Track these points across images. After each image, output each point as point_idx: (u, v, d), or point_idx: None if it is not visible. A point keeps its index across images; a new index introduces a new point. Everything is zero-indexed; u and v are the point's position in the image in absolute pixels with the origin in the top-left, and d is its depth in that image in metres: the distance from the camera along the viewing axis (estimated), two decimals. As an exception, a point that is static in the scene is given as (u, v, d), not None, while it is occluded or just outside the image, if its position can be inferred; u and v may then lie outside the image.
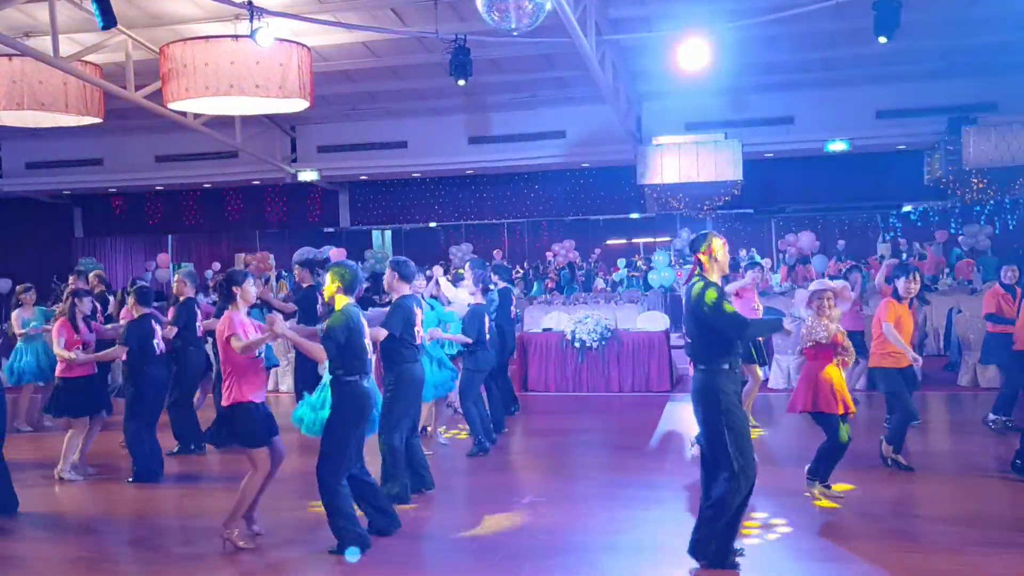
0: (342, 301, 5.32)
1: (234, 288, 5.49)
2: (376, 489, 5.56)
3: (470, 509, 6.37)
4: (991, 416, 8.08)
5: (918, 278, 6.71)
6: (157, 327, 7.37)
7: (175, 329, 7.82)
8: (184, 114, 13.54)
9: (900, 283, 6.74)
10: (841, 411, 5.81)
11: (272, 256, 19.80)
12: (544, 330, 11.92)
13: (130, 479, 7.23)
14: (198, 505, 6.71)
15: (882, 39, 10.16)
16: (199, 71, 9.68)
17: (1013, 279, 8.03)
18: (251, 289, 5.57)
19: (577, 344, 11.15)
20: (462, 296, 8.27)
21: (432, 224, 22.50)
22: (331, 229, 22.50)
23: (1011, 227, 19.65)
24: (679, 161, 16.52)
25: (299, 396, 6.74)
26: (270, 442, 5.43)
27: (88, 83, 10.93)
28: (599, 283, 17.94)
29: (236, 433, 5.31)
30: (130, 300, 7.39)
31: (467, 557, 5.20)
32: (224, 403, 5.37)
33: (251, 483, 5.34)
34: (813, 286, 6.00)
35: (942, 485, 6.54)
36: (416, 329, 6.28)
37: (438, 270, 8.90)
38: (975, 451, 7.54)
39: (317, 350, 5.31)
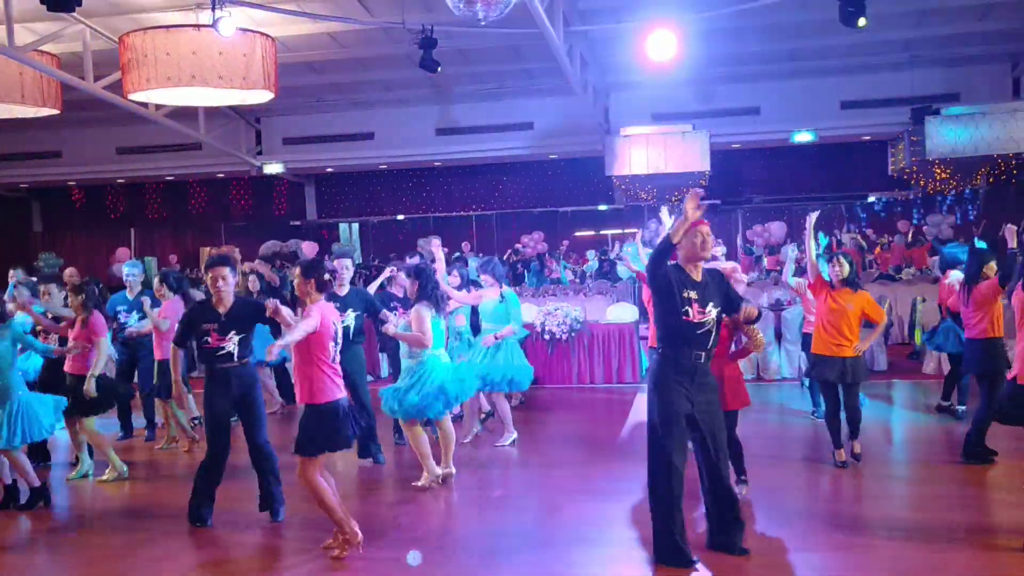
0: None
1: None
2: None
3: (438, 501, 6.31)
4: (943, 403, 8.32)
5: (842, 261, 6.66)
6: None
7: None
8: (145, 105, 13.30)
9: (828, 270, 6.71)
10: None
11: (237, 250, 19.53)
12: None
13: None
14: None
15: (861, 22, 10.15)
16: (160, 61, 9.47)
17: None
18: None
19: (547, 336, 11.12)
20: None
21: (400, 216, 22.38)
22: (297, 222, 22.29)
23: (972, 217, 19.92)
24: (647, 152, 16.55)
25: None
26: None
27: (45, 74, 10.67)
28: (568, 274, 17.92)
29: None
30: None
31: (438, 552, 5.14)
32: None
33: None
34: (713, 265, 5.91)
35: (899, 471, 6.59)
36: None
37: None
38: (936, 438, 7.62)
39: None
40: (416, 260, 8.83)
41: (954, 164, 16.22)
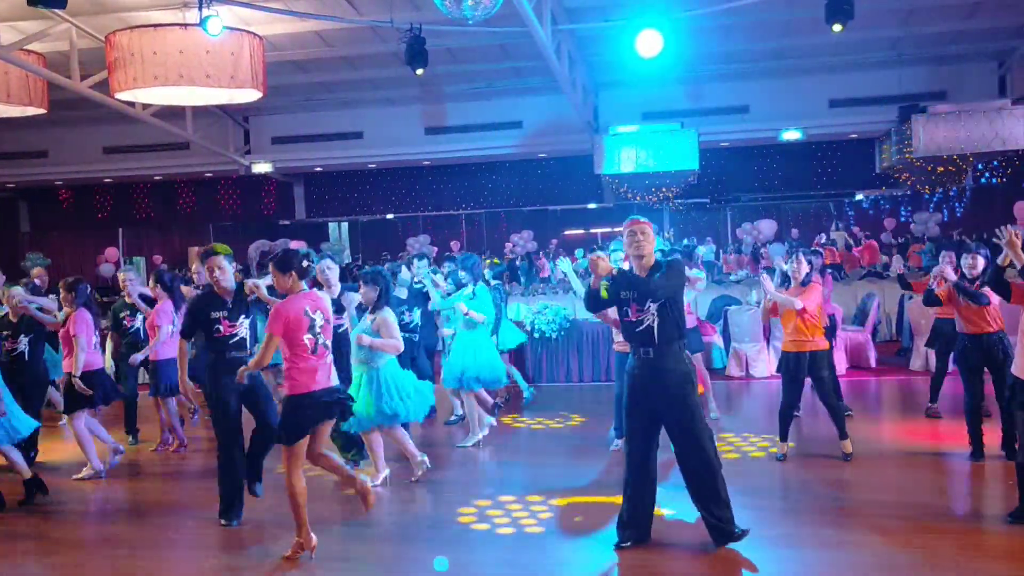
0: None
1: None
2: None
3: (429, 500, 6.32)
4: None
5: (801, 258, 6.74)
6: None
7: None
8: (132, 104, 13.24)
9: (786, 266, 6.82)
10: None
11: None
12: (503, 321, 11.89)
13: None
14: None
15: (836, 27, 10.25)
16: (147, 60, 9.45)
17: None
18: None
19: (537, 334, 11.13)
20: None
21: (389, 216, 22.35)
22: (286, 222, 22.23)
23: (959, 214, 20.04)
24: (636, 151, 16.57)
25: None
26: None
27: (31, 73, 10.62)
28: (558, 273, 17.91)
29: None
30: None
31: (425, 550, 5.14)
32: None
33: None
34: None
35: (886, 468, 6.63)
36: None
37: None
38: (922, 435, 7.67)
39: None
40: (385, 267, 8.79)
41: (940, 162, 16.30)
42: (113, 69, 9.73)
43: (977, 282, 6.57)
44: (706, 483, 4.76)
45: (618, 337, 6.97)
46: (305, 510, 4.96)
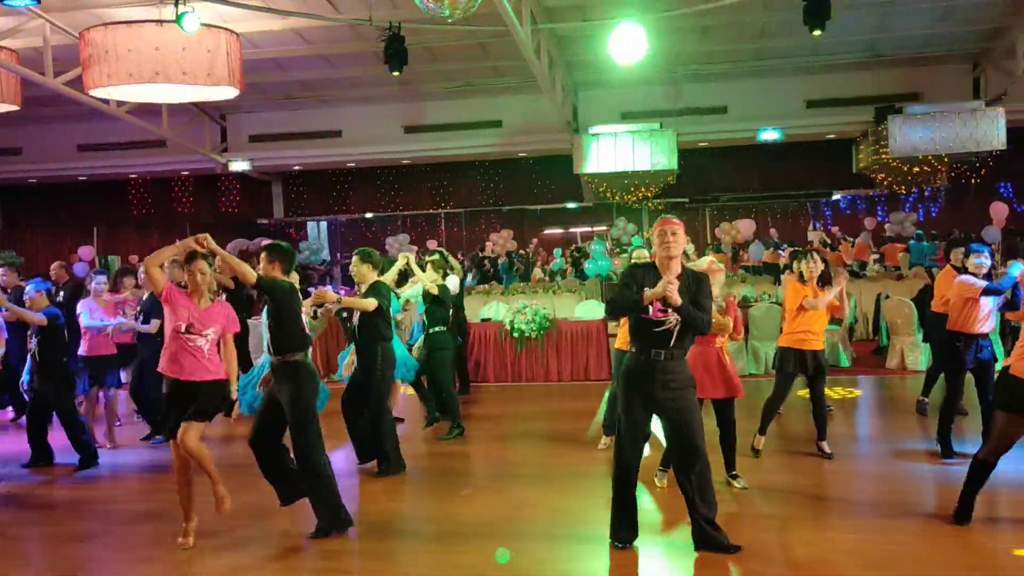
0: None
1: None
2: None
3: (409, 499, 6.29)
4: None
5: (816, 258, 6.77)
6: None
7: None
8: (107, 102, 13.11)
9: (802, 266, 6.80)
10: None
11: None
12: (483, 320, 11.88)
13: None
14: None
15: (816, 32, 10.31)
16: (121, 57, 9.34)
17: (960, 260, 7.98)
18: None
19: (516, 334, 11.12)
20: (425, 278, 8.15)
21: (368, 215, 22.27)
22: (264, 220, 22.11)
23: (934, 215, 20.26)
24: (615, 150, 16.60)
25: None
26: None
27: (4, 69, 10.47)
28: (537, 273, 17.93)
29: None
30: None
31: (406, 547, 5.12)
32: None
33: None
34: (701, 261, 5.94)
35: (865, 466, 6.67)
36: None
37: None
38: (902, 432, 7.73)
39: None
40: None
41: (916, 162, 16.46)
42: (87, 66, 9.61)
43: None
44: (702, 481, 4.73)
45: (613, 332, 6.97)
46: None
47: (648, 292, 4.56)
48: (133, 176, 20.91)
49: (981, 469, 5.07)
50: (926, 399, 8.21)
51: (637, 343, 4.75)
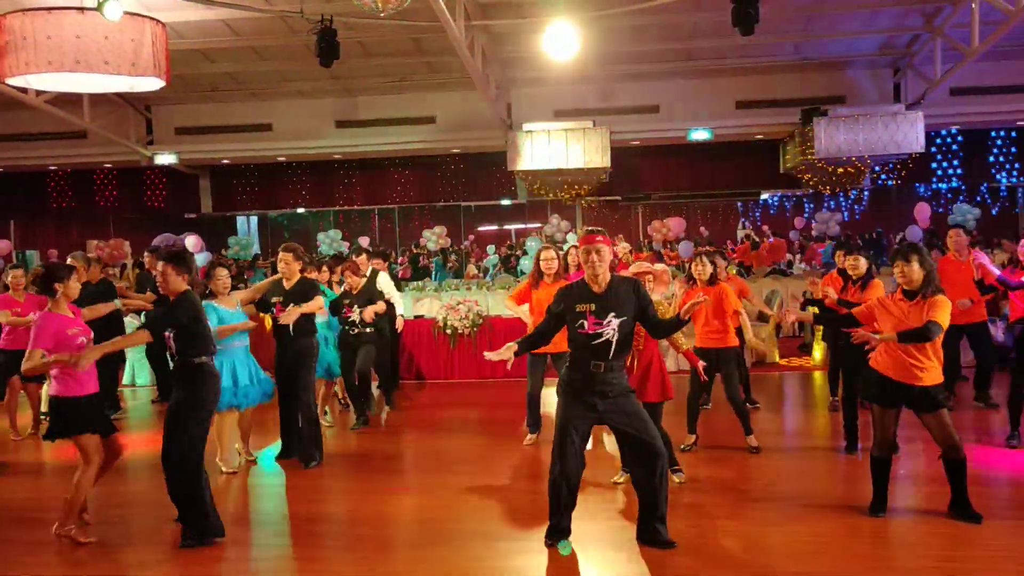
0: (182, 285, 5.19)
1: (56, 285, 5.19)
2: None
3: (339, 498, 6.23)
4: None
5: (704, 261, 7.01)
6: None
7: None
8: (25, 91, 12.64)
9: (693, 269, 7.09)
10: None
11: (127, 243, 18.77)
12: (415, 317, 11.81)
13: None
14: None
15: (743, 35, 10.51)
16: (40, 45, 9.01)
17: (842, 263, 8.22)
18: (75, 286, 5.33)
19: (449, 331, 11.08)
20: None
21: (300, 210, 21.93)
22: (192, 215, 21.56)
23: (859, 215, 20.87)
24: (549, 148, 16.66)
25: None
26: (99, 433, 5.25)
27: (-88, 54, 9.98)
28: (471, 269, 17.90)
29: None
30: None
31: (339, 549, 5.06)
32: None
33: (85, 476, 5.19)
34: (632, 268, 6.07)
35: (789, 460, 6.83)
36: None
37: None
38: (824, 427, 7.94)
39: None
40: None
41: (840, 164, 16.92)
42: (4, 53, 9.23)
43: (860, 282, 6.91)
44: (664, 481, 4.78)
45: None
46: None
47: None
48: (52, 168, 20.20)
49: (877, 464, 5.28)
50: (836, 399, 8.48)
51: (574, 356, 4.80)
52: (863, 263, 6.97)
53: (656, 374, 5.92)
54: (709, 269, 6.97)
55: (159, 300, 8.61)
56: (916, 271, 5.03)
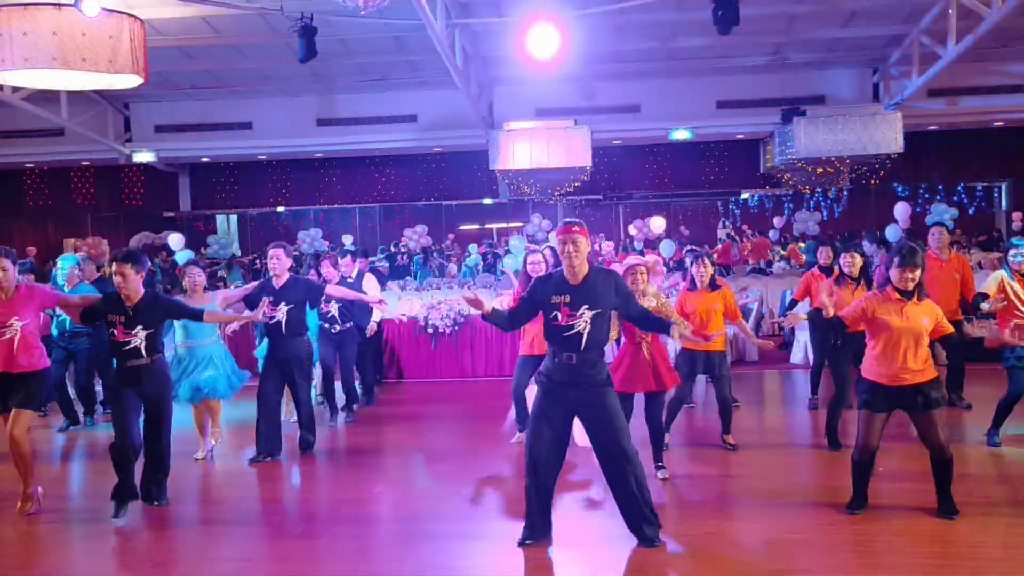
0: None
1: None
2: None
3: (319, 496, 6.20)
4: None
5: (706, 262, 6.98)
6: None
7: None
8: (1, 87, 12.50)
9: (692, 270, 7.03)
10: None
11: (106, 242, 18.61)
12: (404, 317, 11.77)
13: None
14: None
15: (721, 34, 10.56)
16: (16, 41, 8.94)
17: (827, 260, 8.28)
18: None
19: (430, 330, 11.06)
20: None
21: (280, 208, 21.79)
22: (171, 213, 21.39)
23: (838, 215, 20.97)
24: (530, 147, 16.69)
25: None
26: None
27: None
28: (452, 269, 17.86)
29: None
30: None
31: (318, 548, 5.04)
32: None
33: None
34: (626, 262, 6.08)
35: (770, 458, 6.87)
36: None
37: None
38: (803, 424, 7.99)
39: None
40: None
41: (820, 163, 17.03)
42: (-22, 49, 9.13)
43: (863, 280, 6.97)
44: (641, 487, 4.75)
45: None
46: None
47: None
48: (29, 166, 19.99)
49: (858, 467, 5.32)
50: (815, 397, 8.54)
51: (550, 347, 4.82)
52: (859, 260, 7.04)
53: (667, 361, 6.06)
54: (711, 271, 6.96)
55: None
56: (920, 276, 5.10)
